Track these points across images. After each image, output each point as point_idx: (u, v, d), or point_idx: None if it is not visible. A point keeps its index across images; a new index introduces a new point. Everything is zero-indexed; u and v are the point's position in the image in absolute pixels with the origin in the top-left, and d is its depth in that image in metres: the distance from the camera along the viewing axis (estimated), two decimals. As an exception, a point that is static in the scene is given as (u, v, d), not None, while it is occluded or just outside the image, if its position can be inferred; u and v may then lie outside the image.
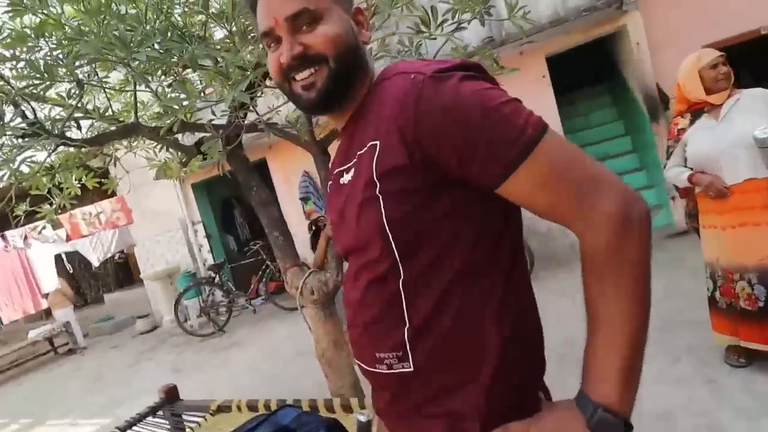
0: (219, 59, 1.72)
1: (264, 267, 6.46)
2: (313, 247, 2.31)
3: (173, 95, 1.81)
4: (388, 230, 0.66)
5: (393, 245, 0.66)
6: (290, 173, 6.60)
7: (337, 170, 0.76)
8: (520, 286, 0.70)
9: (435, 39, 1.55)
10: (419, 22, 1.51)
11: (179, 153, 2.71)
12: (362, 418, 1.02)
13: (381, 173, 0.65)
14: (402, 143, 0.63)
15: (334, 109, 0.75)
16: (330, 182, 0.80)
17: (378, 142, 0.66)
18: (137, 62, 1.46)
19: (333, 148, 2.36)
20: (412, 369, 0.68)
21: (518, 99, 0.64)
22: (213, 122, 1.80)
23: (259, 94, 1.86)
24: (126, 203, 5.96)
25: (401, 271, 0.67)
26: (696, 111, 2.24)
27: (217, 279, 6.20)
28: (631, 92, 5.17)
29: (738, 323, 2.15)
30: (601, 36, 4.98)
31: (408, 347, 0.68)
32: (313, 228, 2.47)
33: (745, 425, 1.84)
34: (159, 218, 7.29)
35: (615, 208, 0.58)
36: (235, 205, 8.40)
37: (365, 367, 0.76)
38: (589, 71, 6.48)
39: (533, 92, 5.01)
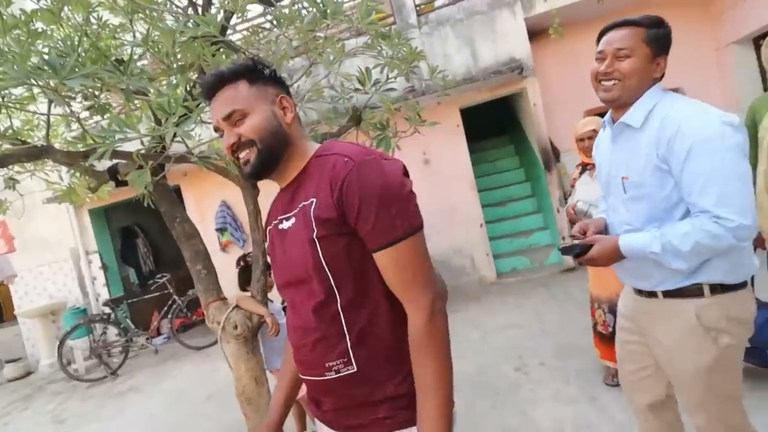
0: (152, 90, 1.71)
1: (171, 302, 6.00)
2: (242, 282, 2.26)
3: (101, 122, 1.74)
4: (325, 265, 0.88)
5: (330, 277, 0.89)
6: (205, 202, 6.33)
7: (279, 217, 0.98)
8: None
9: (367, 93, 1.72)
10: (355, 80, 1.67)
11: (88, 178, 2.54)
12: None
13: (317, 222, 0.88)
14: (333, 201, 0.87)
15: (267, 177, 0.99)
16: (269, 227, 1.03)
17: (316, 199, 0.89)
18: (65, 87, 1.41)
19: (264, 184, 2.40)
20: (355, 369, 0.91)
21: (413, 192, 0.89)
22: (141, 152, 1.76)
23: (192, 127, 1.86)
24: (8, 228, 5.23)
25: (338, 297, 0.90)
26: (584, 167, 2.67)
27: (112, 316, 5.60)
28: (530, 144, 5.90)
29: (599, 344, 2.61)
30: (506, 95, 5.67)
31: (351, 354, 0.91)
32: (242, 263, 2.42)
33: (621, 437, 2.14)
34: (45, 247, 6.46)
35: (429, 303, 0.86)
36: (138, 233, 7.72)
37: (314, 378, 0.96)
38: (497, 123, 7.26)
39: (449, 139, 5.49)
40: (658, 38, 1.23)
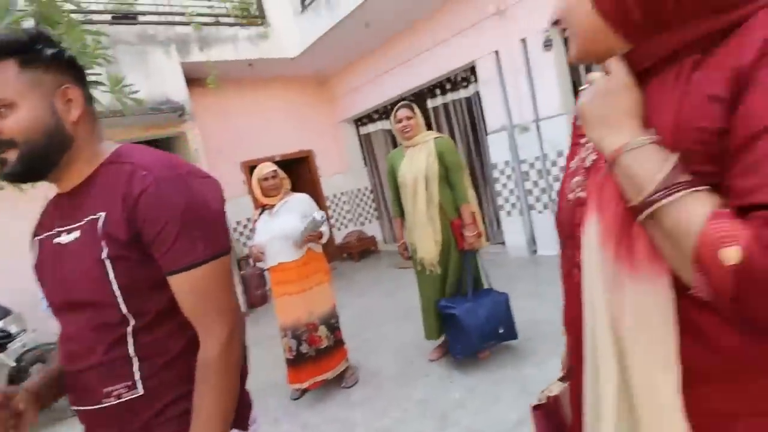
0: None
1: None
2: None
3: None
4: (116, 287, 0.78)
5: (121, 300, 0.78)
6: None
7: (55, 228, 0.84)
8: None
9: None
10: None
11: None
12: None
13: (108, 240, 0.77)
14: (124, 219, 0.77)
15: (34, 181, 0.82)
16: (40, 237, 0.87)
17: (105, 214, 0.79)
18: None
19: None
20: (141, 393, 0.82)
21: (222, 214, 0.85)
22: None
23: None
24: None
25: (129, 321, 0.80)
26: (263, 207, 2.79)
27: None
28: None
29: (288, 371, 2.77)
30: (163, 137, 5.21)
31: (136, 378, 0.81)
32: None
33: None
34: None
35: (226, 334, 0.81)
36: None
37: (89, 408, 0.83)
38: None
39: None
40: None
